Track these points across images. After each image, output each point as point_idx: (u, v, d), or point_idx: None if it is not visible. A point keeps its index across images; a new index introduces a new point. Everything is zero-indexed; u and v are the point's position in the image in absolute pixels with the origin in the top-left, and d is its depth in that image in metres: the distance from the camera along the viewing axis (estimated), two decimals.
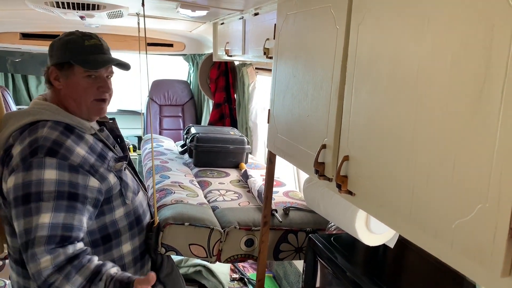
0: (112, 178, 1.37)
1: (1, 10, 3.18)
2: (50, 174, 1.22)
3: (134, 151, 5.00)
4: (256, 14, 2.22)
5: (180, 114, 5.02)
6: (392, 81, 0.82)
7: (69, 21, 3.57)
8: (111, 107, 5.63)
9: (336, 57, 1.03)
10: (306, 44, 1.21)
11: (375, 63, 0.87)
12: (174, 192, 1.97)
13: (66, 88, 1.36)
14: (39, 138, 1.26)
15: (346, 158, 0.97)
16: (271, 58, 2.02)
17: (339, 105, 1.02)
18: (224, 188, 2.16)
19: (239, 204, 1.95)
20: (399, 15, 0.80)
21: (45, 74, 1.39)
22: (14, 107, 3.93)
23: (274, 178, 2.37)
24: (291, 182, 2.57)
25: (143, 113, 4.86)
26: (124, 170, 1.45)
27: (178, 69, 5.37)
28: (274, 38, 1.46)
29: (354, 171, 0.95)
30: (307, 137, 1.19)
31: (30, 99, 4.61)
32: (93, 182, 1.30)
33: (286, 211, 1.83)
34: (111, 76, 1.44)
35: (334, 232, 1.68)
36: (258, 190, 2.00)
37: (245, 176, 2.30)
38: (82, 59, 1.34)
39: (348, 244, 1.44)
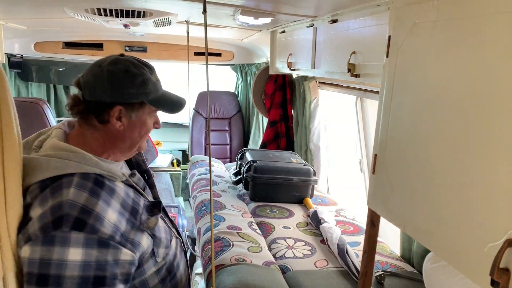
0: (145, 241, 1.11)
1: (42, 18, 2.97)
2: (75, 255, 0.96)
3: (178, 166, 4.72)
4: (334, 21, 1.80)
5: (227, 128, 4.67)
6: None
7: (111, 29, 3.31)
8: None
9: None
10: (466, 70, 0.78)
11: None
12: (233, 245, 1.58)
13: (128, 129, 1.15)
14: (63, 204, 0.98)
15: None
16: (356, 76, 1.60)
17: None
18: (291, 237, 1.75)
19: (315, 264, 1.53)
20: None
21: (101, 113, 1.11)
22: (53, 120, 3.69)
23: (326, 206, 1.84)
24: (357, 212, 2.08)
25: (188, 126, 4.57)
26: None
27: (225, 79, 5.04)
28: (387, 56, 1.03)
29: None
30: (464, 217, 0.76)
31: None
32: (125, 254, 1.03)
33: (381, 279, 1.40)
34: None
35: None
36: (338, 245, 1.57)
37: (315, 219, 1.88)
38: (157, 99, 1.17)
39: None
